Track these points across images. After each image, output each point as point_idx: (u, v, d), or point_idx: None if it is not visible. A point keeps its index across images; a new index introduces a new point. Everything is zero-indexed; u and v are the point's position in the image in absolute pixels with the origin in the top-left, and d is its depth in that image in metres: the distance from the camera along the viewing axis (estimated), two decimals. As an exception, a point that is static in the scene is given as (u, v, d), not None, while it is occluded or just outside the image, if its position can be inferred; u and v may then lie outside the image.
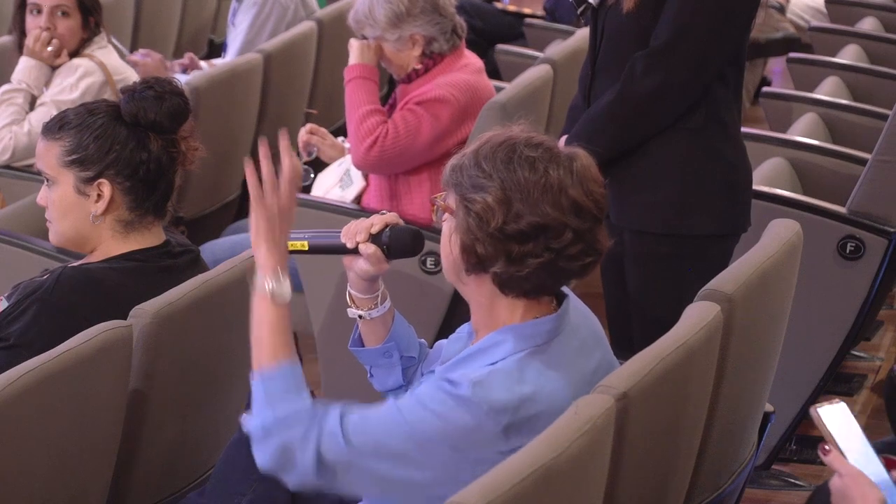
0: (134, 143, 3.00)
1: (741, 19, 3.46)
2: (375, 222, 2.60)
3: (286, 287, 2.50)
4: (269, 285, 2.50)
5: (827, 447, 2.24)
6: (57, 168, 3.01)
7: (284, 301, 2.50)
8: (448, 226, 2.49)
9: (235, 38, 5.96)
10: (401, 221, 2.62)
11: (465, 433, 2.37)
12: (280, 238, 2.52)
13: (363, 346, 2.74)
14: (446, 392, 2.39)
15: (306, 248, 2.65)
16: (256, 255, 2.53)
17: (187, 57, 5.88)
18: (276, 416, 2.44)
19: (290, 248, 2.64)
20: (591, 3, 3.54)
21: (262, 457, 2.45)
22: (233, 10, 6.07)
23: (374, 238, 2.60)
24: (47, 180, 3.04)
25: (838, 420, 2.27)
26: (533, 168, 2.42)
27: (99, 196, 3.00)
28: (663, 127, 3.47)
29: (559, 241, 2.41)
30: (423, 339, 2.79)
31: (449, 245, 2.48)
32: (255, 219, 2.54)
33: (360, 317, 2.69)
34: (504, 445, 2.37)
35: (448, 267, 2.52)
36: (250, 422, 2.47)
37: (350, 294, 2.69)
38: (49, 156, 3.02)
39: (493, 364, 2.43)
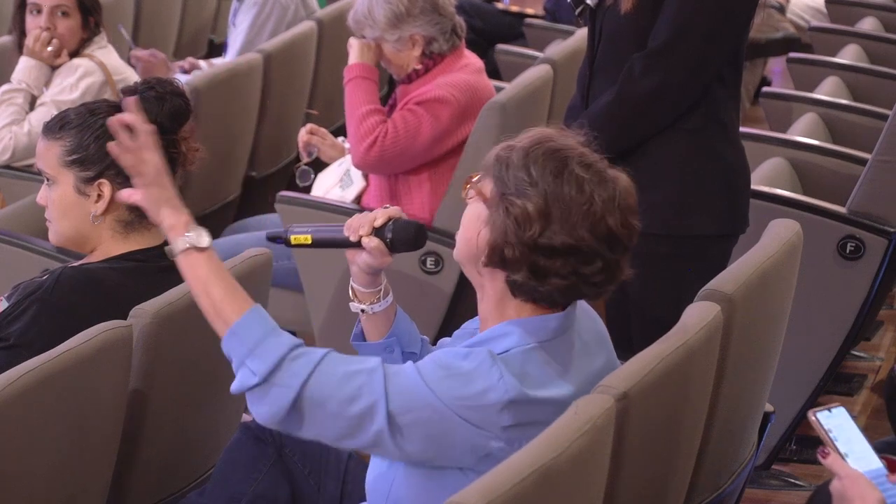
0: None
1: (740, 19, 3.46)
2: (379, 216, 2.60)
3: (203, 233, 2.46)
4: (187, 240, 2.45)
5: (826, 450, 2.24)
6: (57, 168, 3.01)
7: (207, 243, 2.45)
8: (476, 210, 2.48)
9: (236, 38, 5.96)
10: (404, 215, 2.62)
11: (471, 395, 2.37)
12: (172, 195, 2.48)
13: (365, 340, 2.74)
14: (458, 354, 2.38)
15: (310, 242, 2.65)
16: (161, 220, 2.47)
17: (187, 62, 5.88)
18: (270, 362, 2.38)
19: (294, 242, 2.64)
20: (588, 4, 3.54)
21: (266, 408, 2.39)
22: (233, 11, 6.06)
23: (377, 231, 2.60)
24: (47, 180, 3.04)
25: (836, 423, 2.26)
26: (581, 189, 2.40)
27: (99, 196, 3.00)
28: (662, 127, 3.47)
29: (588, 268, 2.41)
30: (424, 336, 2.79)
31: (475, 232, 2.46)
32: (143, 191, 2.47)
33: (363, 311, 2.69)
34: (500, 433, 2.36)
35: (465, 250, 2.49)
36: (243, 381, 2.40)
37: (353, 288, 2.68)
38: (49, 155, 3.02)
39: (499, 354, 2.44)
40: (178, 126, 3.04)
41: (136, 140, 2.47)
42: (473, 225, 2.47)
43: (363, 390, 2.37)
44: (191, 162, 3.08)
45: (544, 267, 2.40)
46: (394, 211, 2.61)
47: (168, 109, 3.01)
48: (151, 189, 2.48)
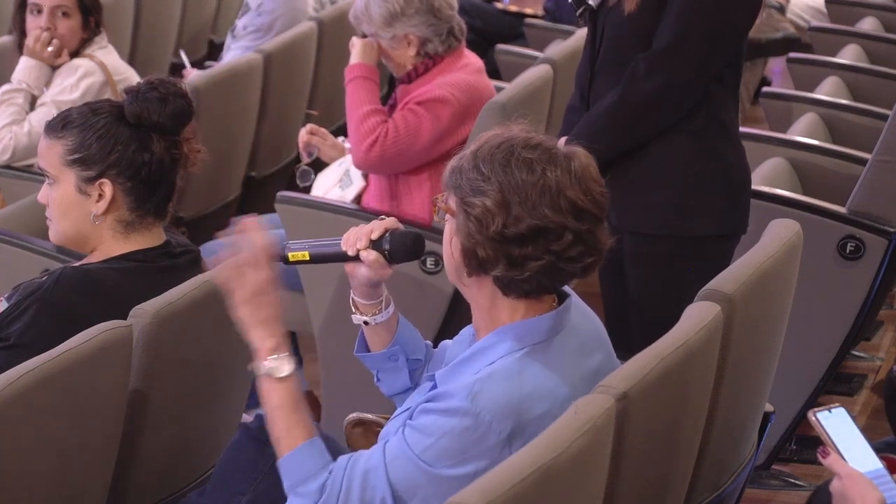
0: (136, 144, 2.99)
1: (743, 20, 3.46)
2: (375, 228, 2.60)
3: (285, 363, 2.51)
4: (266, 367, 2.51)
5: (826, 450, 2.24)
6: (59, 167, 3.01)
7: (287, 373, 2.51)
8: (449, 227, 2.49)
9: (235, 50, 5.93)
10: (400, 226, 2.62)
11: (469, 444, 2.38)
12: (268, 316, 2.51)
13: (368, 351, 2.74)
14: (439, 411, 2.39)
15: (307, 259, 2.64)
16: (250, 342, 2.52)
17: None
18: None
19: (293, 260, 2.64)
20: (590, 5, 3.54)
21: None
22: (241, 15, 6.04)
23: (374, 244, 2.59)
24: (49, 179, 3.04)
25: (836, 424, 2.26)
26: (531, 170, 2.42)
27: (100, 196, 3.00)
28: (665, 128, 3.47)
29: (559, 244, 2.41)
30: (428, 341, 2.79)
31: (450, 247, 2.48)
32: (235, 311, 2.52)
33: (365, 323, 2.69)
34: (508, 453, 2.37)
35: (450, 268, 2.52)
36: None
37: (353, 301, 2.69)
38: (51, 154, 3.02)
39: (491, 364, 2.44)
40: (181, 127, 3.04)
41: (244, 260, 2.49)
42: (448, 243, 2.49)
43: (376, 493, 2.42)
44: (192, 163, 3.08)
45: (519, 256, 2.41)
46: (390, 222, 2.61)
47: (171, 110, 3.01)
48: (243, 308, 2.51)
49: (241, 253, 2.51)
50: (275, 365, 2.50)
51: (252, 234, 2.52)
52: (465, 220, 2.43)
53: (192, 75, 5.53)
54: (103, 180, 2.99)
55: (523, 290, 2.46)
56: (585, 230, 2.42)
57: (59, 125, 3.02)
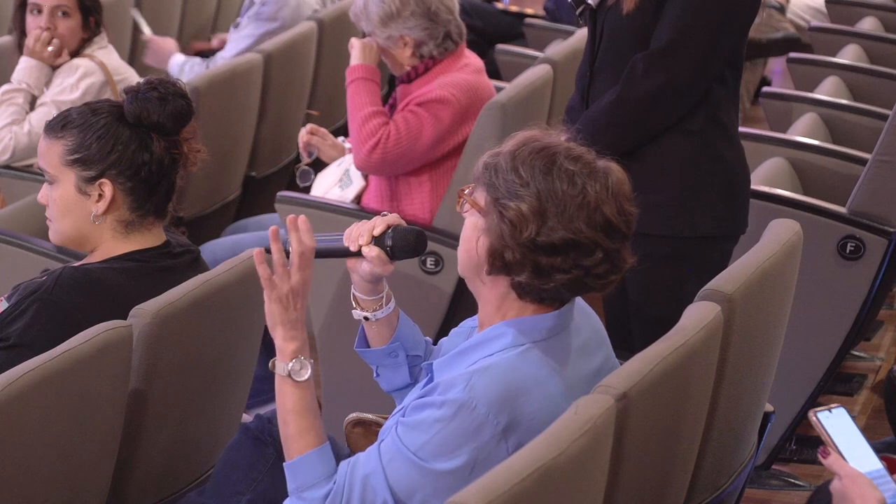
0: (136, 144, 2.99)
1: (742, 20, 3.46)
2: (377, 224, 2.60)
3: (307, 367, 2.52)
4: (287, 369, 2.52)
5: (826, 450, 2.24)
6: (59, 167, 3.01)
7: (306, 377, 2.52)
8: (472, 221, 2.48)
9: (238, 41, 5.93)
10: (402, 222, 2.62)
11: (466, 435, 2.38)
12: (296, 318, 2.53)
13: (368, 346, 2.74)
14: (434, 405, 2.39)
15: None
16: (274, 338, 2.54)
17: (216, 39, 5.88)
18: None
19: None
20: (589, 4, 3.54)
21: None
22: (243, 10, 6.05)
23: (376, 240, 2.59)
24: (48, 179, 3.04)
25: (837, 423, 2.27)
26: (572, 182, 2.41)
27: (100, 196, 2.99)
28: (664, 128, 3.47)
29: (590, 260, 2.41)
30: (428, 337, 2.79)
31: (474, 242, 2.47)
32: (268, 303, 2.53)
33: (366, 318, 2.69)
34: (503, 451, 2.37)
35: (467, 263, 2.50)
36: None
37: (354, 296, 2.69)
38: (51, 154, 3.01)
39: (489, 356, 2.44)
40: (181, 127, 3.04)
41: (290, 272, 2.51)
42: (472, 236, 2.48)
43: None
44: (192, 163, 3.08)
45: (547, 265, 2.41)
46: (392, 218, 2.61)
47: (170, 110, 3.01)
48: (274, 305, 2.52)
49: (291, 250, 2.52)
50: (296, 368, 2.51)
51: (302, 234, 2.53)
52: (499, 221, 2.42)
53: (154, 42, 5.54)
54: (103, 180, 2.99)
55: (541, 297, 2.46)
56: (615, 249, 2.43)
57: (58, 125, 3.02)
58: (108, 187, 2.99)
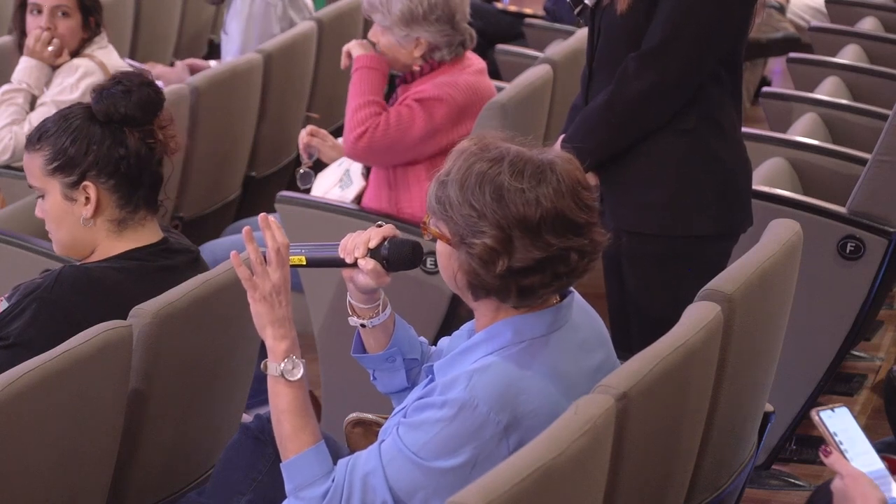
0: (110, 141, 3.00)
1: (735, 20, 3.45)
2: (373, 236, 2.58)
3: (299, 366, 2.52)
4: (279, 369, 2.52)
5: (828, 449, 2.24)
6: (42, 178, 3.03)
7: (298, 377, 2.52)
8: (445, 249, 2.48)
9: (230, 44, 5.93)
10: (398, 233, 2.61)
11: (467, 434, 2.38)
12: (283, 315, 2.53)
13: (365, 352, 2.74)
14: (435, 405, 2.39)
15: (304, 263, 2.64)
16: (264, 339, 2.54)
17: (187, 63, 5.87)
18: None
19: (289, 263, 2.64)
20: (587, 3, 3.54)
21: None
22: (226, 18, 6.04)
23: (372, 252, 2.58)
24: (38, 193, 3.05)
25: (839, 423, 2.27)
26: (525, 201, 2.39)
27: (87, 199, 3.00)
28: (656, 127, 3.47)
29: (567, 266, 2.42)
30: (423, 338, 2.79)
31: (452, 275, 2.48)
32: (253, 304, 2.54)
33: (363, 325, 2.69)
34: (504, 449, 2.37)
35: (452, 287, 2.51)
36: None
37: (350, 304, 2.68)
38: (34, 167, 3.04)
39: (489, 354, 2.44)
40: (151, 116, 3.04)
41: (269, 271, 2.53)
42: (448, 266, 2.49)
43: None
44: (172, 150, 3.08)
45: (528, 285, 2.42)
46: (388, 230, 2.60)
47: (136, 100, 3.01)
48: (259, 305, 2.53)
49: (267, 248, 2.54)
50: (288, 367, 2.52)
51: (275, 232, 2.55)
52: (468, 258, 2.43)
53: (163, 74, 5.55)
54: (86, 183, 3.00)
55: (532, 304, 2.47)
56: (587, 242, 2.43)
57: (35, 138, 3.05)
58: (91, 189, 3.00)
